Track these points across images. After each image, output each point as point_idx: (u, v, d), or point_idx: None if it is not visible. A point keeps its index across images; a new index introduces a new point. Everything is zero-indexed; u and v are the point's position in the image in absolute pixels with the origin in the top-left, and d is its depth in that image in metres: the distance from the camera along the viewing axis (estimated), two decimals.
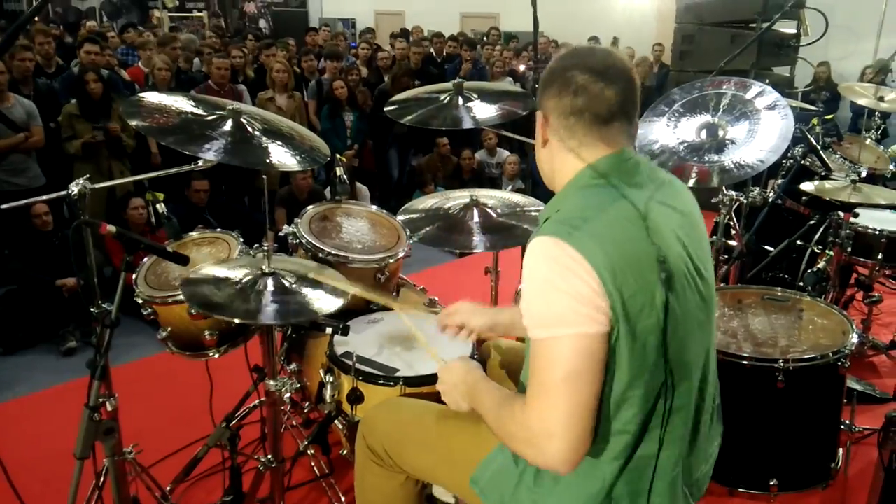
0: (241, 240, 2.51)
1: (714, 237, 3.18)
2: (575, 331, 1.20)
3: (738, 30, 6.41)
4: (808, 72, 7.71)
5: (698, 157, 2.62)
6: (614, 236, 1.23)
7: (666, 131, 2.73)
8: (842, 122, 6.03)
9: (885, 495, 2.10)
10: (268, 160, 1.94)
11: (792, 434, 2.43)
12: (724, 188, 3.02)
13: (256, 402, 2.59)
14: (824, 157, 3.32)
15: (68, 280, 4.07)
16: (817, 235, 3.46)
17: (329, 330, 2.06)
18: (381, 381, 2.07)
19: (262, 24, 14.10)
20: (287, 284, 1.97)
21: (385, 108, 2.69)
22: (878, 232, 3.26)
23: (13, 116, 4.43)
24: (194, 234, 2.59)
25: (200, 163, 2.04)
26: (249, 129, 1.99)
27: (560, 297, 1.20)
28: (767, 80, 2.90)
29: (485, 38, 9.87)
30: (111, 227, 1.72)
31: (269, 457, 2.11)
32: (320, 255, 2.45)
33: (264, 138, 1.99)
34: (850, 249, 3.23)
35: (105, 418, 1.65)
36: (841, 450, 2.58)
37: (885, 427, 2.14)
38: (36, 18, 6.03)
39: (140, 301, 2.27)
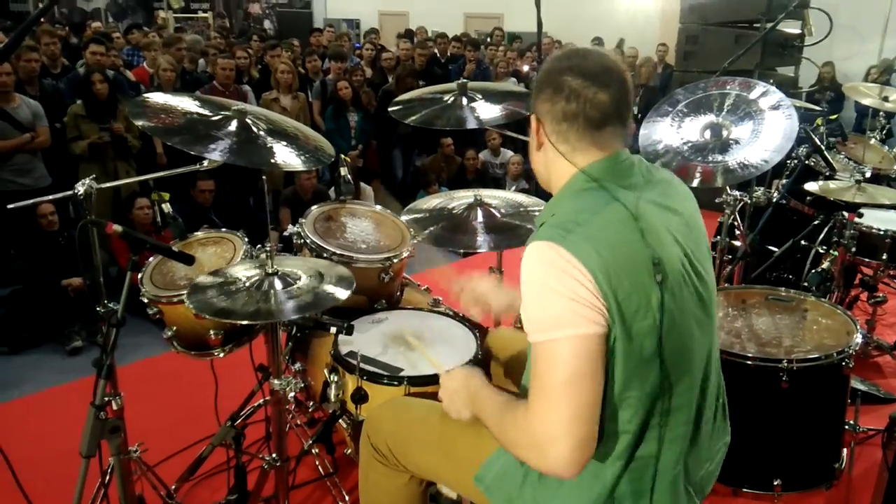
0: (247, 239, 2.52)
1: (718, 237, 3.18)
2: (573, 332, 1.20)
3: (742, 30, 6.40)
4: (812, 72, 7.69)
5: (702, 158, 2.62)
6: (608, 239, 1.23)
7: (670, 131, 2.73)
8: (846, 122, 6.03)
9: (889, 496, 2.09)
10: (273, 160, 1.94)
11: (796, 434, 2.43)
12: (728, 188, 3.02)
13: (261, 401, 2.60)
14: (828, 157, 3.31)
15: (74, 280, 4.08)
16: (821, 235, 3.46)
17: (333, 329, 2.07)
18: (385, 381, 2.08)
19: (267, 24, 14.12)
20: (292, 283, 1.98)
21: (389, 109, 2.70)
22: (882, 232, 3.25)
23: (19, 117, 4.45)
24: (199, 234, 2.60)
25: (206, 163, 2.06)
26: (254, 129, 2.00)
27: (557, 299, 1.21)
28: (771, 81, 2.91)
29: (489, 39, 9.88)
30: (117, 227, 1.73)
31: (274, 456, 2.12)
32: (325, 254, 2.46)
33: (269, 138, 2.00)
34: (854, 249, 3.23)
35: (111, 417, 1.66)
36: (845, 450, 2.58)
37: (890, 427, 2.15)
38: (42, 19, 6.05)
39: (145, 300, 2.29)
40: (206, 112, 2.03)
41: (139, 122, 1.95)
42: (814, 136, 3.25)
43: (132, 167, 5.06)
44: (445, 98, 2.66)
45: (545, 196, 1.45)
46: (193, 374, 2.81)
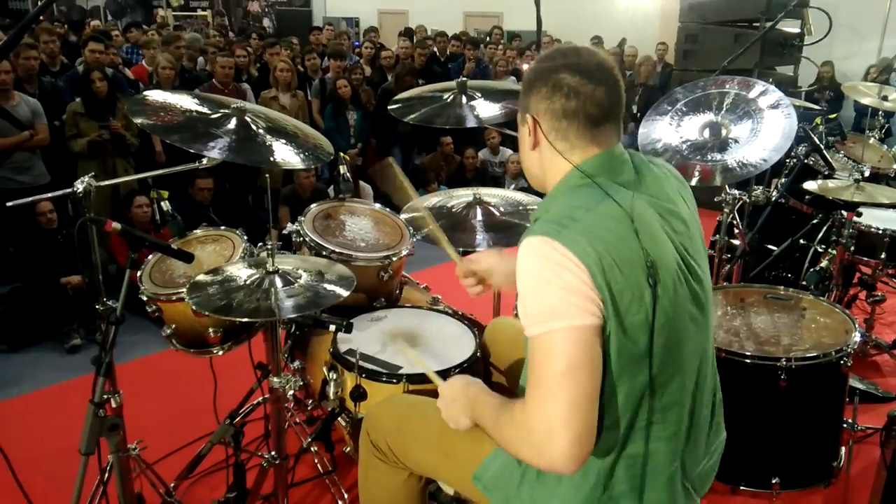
0: (246, 237, 2.52)
1: (717, 236, 3.18)
2: (569, 323, 1.20)
3: (742, 29, 6.41)
4: (811, 71, 7.69)
5: (701, 156, 2.62)
6: (602, 234, 1.23)
7: (669, 130, 2.74)
8: (845, 121, 6.01)
9: (888, 494, 2.10)
10: (272, 158, 1.95)
11: (794, 433, 2.43)
12: (727, 187, 3.02)
13: (260, 399, 2.61)
14: (827, 156, 3.31)
15: (73, 277, 4.08)
16: (820, 234, 3.46)
17: (332, 327, 2.07)
18: (384, 379, 2.08)
19: (266, 22, 14.10)
20: (292, 281, 1.98)
21: (389, 107, 2.70)
22: (881, 231, 3.26)
23: (18, 115, 4.44)
24: (198, 232, 2.60)
25: (205, 161, 2.05)
26: (253, 127, 2.00)
27: (552, 290, 1.21)
28: (771, 80, 2.91)
29: (488, 38, 9.87)
30: (116, 225, 1.73)
31: (273, 453, 2.12)
32: (324, 252, 2.46)
33: (268, 136, 2.00)
34: (853, 248, 3.23)
35: (110, 414, 1.66)
36: (843, 448, 2.58)
37: (888, 426, 2.15)
38: (41, 17, 6.04)
39: (144, 298, 2.29)
40: (205, 110, 2.04)
41: (138, 120, 1.95)
42: (813, 135, 3.25)
43: (131, 165, 5.06)
44: (445, 96, 2.66)
45: (542, 201, 1.45)
46: (192, 372, 2.81)
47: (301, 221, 2.61)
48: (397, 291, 2.74)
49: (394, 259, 2.55)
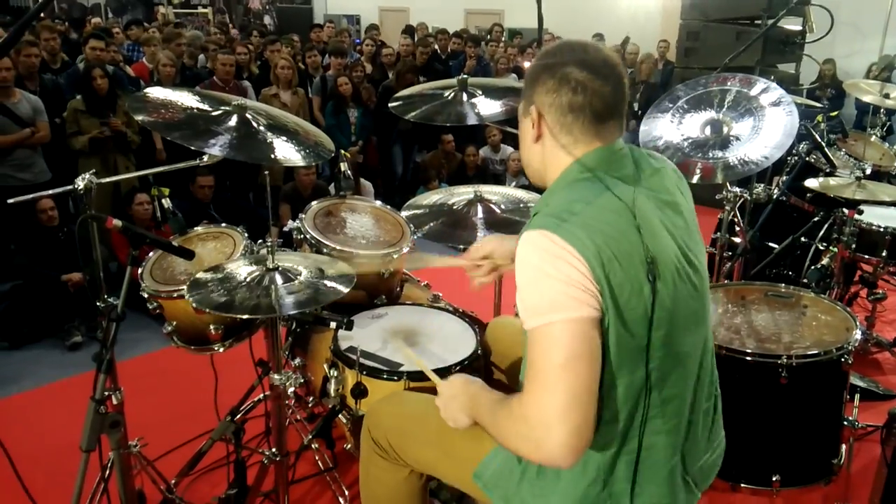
0: (246, 235, 2.52)
1: (718, 234, 3.18)
2: (568, 315, 1.20)
3: (744, 26, 6.39)
4: (813, 69, 7.69)
5: (702, 154, 2.62)
6: (602, 228, 1.23)
7: (670, 127, 2.73)
8: (847, 119, 6.02)
9: (888, 492, 2.10)
10: (272, 156, 1.95)
11: (795, 430, 2.43)
12: (728, 184, 3.02)
13: (261, 396, 2.61)
14: (829, 153, 3.31)
15: (74, 275, 4.08)
16: (821, 232, 3.46)
17: (333, 325, 2.07)
18: (385, 376, 2.08)
19: (267, 20, 14.10)
20: (293, 278, 1.98)
21: (389, 104, 2.70)
22: (882, 229, 3.25)
23: (19, 112, 4.44)
24: (199, 229, 2.59)
25: (206, 158, 2.05)
26: (254, 124, 2.00)
27: (552, 283, 1.21)
28: (772, 77, 2.90)
29: (489, 36, 9.86)
30: (117, 222, 1.73)
31: (274, 450, 2.12)
32: (325, 250, 2.46)
33: (269, 134, 2.00)
34: (854, 246, 3.23)
35: (110, 411, 1.66)
36: (843, 446, 2.58)
37: (888, 424, 2.15)
38: (41, 14, 6.04)
39: (145, 295, 2.29)
40: (206, 107, 2.04)
41: (139, 117, 1.95)
42: (814, 133, 3.25)
43: (132, 162, 5.06)
44: (446, 94, 2.66)
45: (542, 195, 1.44)
46: (193, 369, 2.81)
47: (302, 219, 2.61)
48: (398, 289, 2.74)
49: (394, 256, 2.55)
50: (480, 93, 2.65)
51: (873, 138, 4.44)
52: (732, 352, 2.36)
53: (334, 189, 2.91)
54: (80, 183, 1.94)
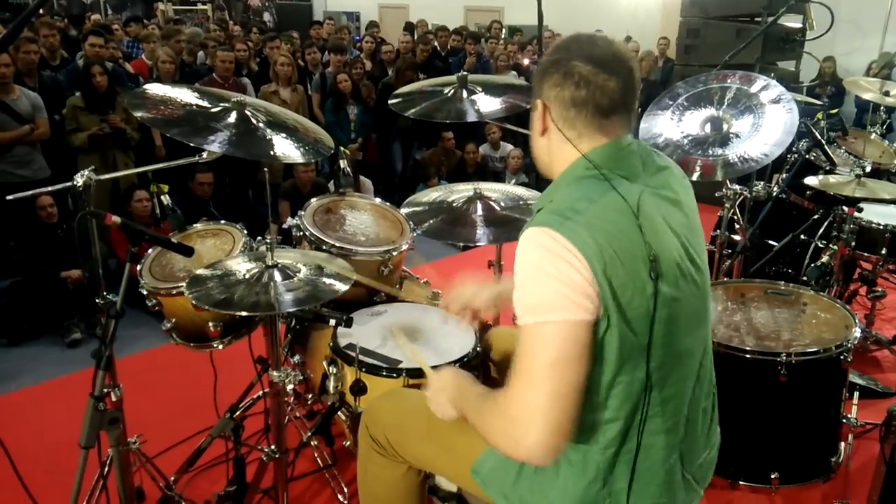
0: (245, 232, 2.52)
1: (717, 231, 3.18)
2: (563, 317, 1.20)
3: (744, 24, 6.39)
4: (813, 66, 7.68)
5: (702, 151, 2.62)
6: (605, 227, 1.23)
7: (670, 125, 2.73)
8: (847, 116, 6.01)
9: (887, 489, 2.10)
10: (272, 152, 1.94)
11: (793, 427, 2.43)
12: (728, 182, 3.02)
13: (260, 393, 2.61)
14: (829, 151, 3.31)
15: (73, 272, 4.08)
16: (821, 230, 3.46)
17: (333, 322, 2.07)
18: (384, 373, 2.08)
19: (267, 17, 14.08)
20: (292, 276, 1.98)
21: (389, 101, 2.69)
22: (882, 227, 3.25)
23: (19, 108, 4.44)
24: (198, 226, 2.59)
25: (205, 154, 2.05)
26: (254, 121, 2.00)
27: (549, 282, 1.21)
28: (772, 75, 2.90)
29: (487, 33, 9.85)
30: (116, 218, 1.73)
31: (273, 447, 2.12)
32: (324, 247, 2.45)
33: (268, 130, 1.99)
34: (853, 244, 3.23)
35: (110, 408, 1.66)
36: (842, 444, 2.58)
37: (887, 421, 2.15)
38: (40, 11, 6.03)
39: (144, 292, 2.28)
40: (206, 104, 2.03)
41: (138, 114, 1.94)
42: (814, 131, 3.25)
43: (131, 159, 5.05)
44: (445, 91, 2.65)
45: (545, 189, 1.44)
46: (192, 366, 2.81)
47: (301, 216, 2.60)
48: (397, 286, 2.73)
49: (394, 254, 2.54)
50: (480, 90, 2.64)
51: (873, 136, 4.44)
52: (732, 349, 2.36)
53: (334, 186, 2.91)
54: (80, 179, 1.94)
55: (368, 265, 2.50)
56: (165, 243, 1.91)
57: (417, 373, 2.05)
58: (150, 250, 2.44)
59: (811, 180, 3.41)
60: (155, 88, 2.07)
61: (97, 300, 2.07)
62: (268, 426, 2.52)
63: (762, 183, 3.36)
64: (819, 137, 3.22)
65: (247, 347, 2.30)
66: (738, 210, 3.17)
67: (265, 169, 2.20)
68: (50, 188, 2.09)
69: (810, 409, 2.46)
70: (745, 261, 3.38)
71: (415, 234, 2.63)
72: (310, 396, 2.50)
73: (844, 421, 2.57)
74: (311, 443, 2.52)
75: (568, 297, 1.20)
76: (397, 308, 2.50)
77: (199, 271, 2.01)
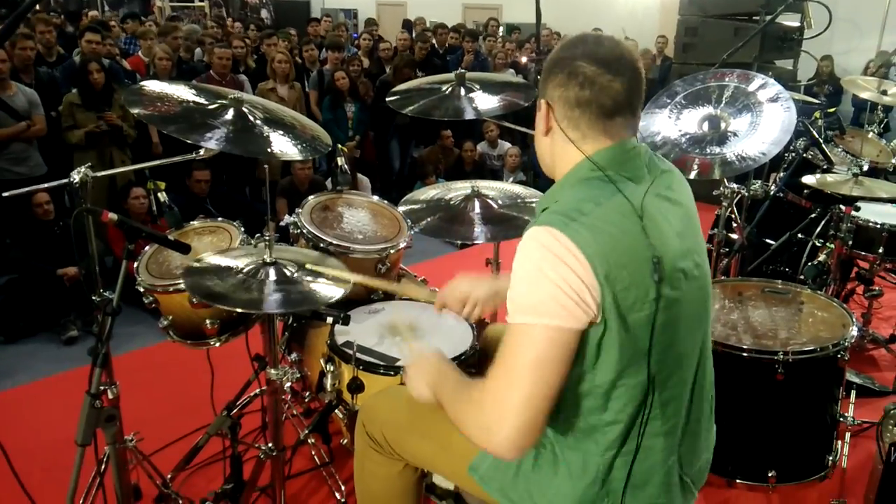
0: (243, 229, 2.52)
1: (715, 230, 3.18)
2: (552, 322, 1.20)
3: (742, 22, 6.40)
4: (811, 65, 7.69)
5: (700, 150, 2.62)
6: (610, 230, 1.23)
7: (668, 123, 2.73)
8: (844, 115, 6.02)
9: (883, 488, 2.10)
10: (269, 149, 1.93)
11: (790, 426, 2.44)
12: (725, 181, 3.02)
13: (257, 390, 2.60)
14: (826, 150, 3.31)
15: (69, 269, 4.07)
16: (818, 229, 3.46)
17: (330, 319, 2.07)
18: (381, 371, 2.08)
19: (264, 13, 14.05)
20: (289, 273, 1.97)
21: (387, 99, 2.69)
22: (879, 226, 3.26)
23: (15, 105, 4.42)
24: (195, 224, 2.59)
25: (202, 151, 2.04)
26: (251, 118, 1.99)
27: (545, 285, 1.20)
28: (770, 73, 2.90)
29: (485, 31, 9.84)
30: (113, 215, 1.72)
31: (270, 445, 2.12)
32: (321, 244, 2.45)
33: (266, 127, 1.99)
34: (850, 243, 3.23)
35: (106, 406, 1.65)
36: (839, 442, 2.59)
37: (884, 420, 2.15)
38: (37, 7, 6.01)
39: (141, 289, 2.28)
40: (203, 100, 2.02)
41: (135, 111, 1.94)
42: (812, 130, 3.25)
43: (128, 156, 5.04)
44: (443, 88, 2.65)
45: (543, 188, 1.44)
46: (189, 364, 2.81)
47: (298, 213, 2.60)
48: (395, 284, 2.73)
49: (391, 251, 2.54)
50: (478, 88, 2.64)
51: (871, 135, 4.44)
52: (729, 348, 2.36)
53: (331, 184, 2.91)
54: (76, 177, 1.93)
55: (366, 263, 2.50)
56: (162, 240, 1.90)
57: None
58: (146, 247, 2.44)
59: (808, 179, 3.41)
60: (152, 85, 2.06)
61: (94, 297, 2.06)
62: (265, 424, 2.52)
63: (760, 181, 3.36)
64: (816, 136, 3.22)
65: (244, 345, 2.30)
66: (735, 208, 3.17)
67: (265, 166, 2.19)
68: (46, 185, 2.08)
69: (807, 408, 2.46)
70: (742, 259, 3.39)
71: (412, 232, 2.62)
72: (307, 394, 2.50)
73: (841, 419, 2.57)
74: (309, 440, 2.52)
75: (561, 303, 1.19)
76: (395, 306, 2.50)
77: (194, 264, 2.00)
